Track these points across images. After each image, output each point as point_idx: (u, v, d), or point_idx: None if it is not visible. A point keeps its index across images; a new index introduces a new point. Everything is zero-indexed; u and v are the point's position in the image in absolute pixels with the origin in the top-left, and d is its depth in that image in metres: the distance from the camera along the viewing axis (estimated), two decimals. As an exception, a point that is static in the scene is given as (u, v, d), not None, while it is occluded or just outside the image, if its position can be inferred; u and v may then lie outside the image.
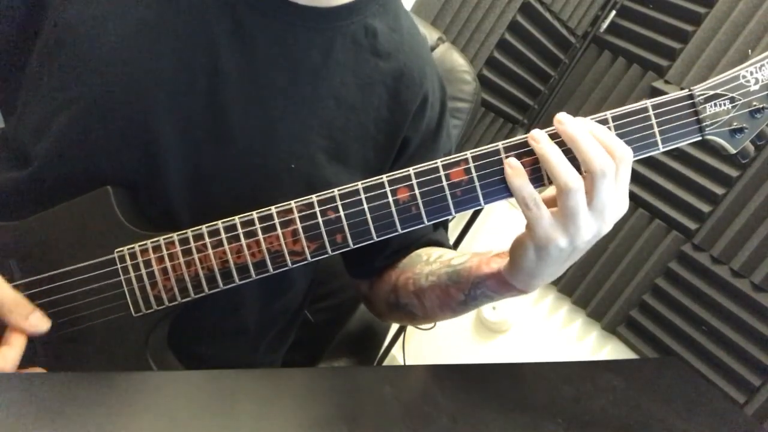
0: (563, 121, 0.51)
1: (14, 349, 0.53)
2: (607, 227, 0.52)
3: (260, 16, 0.61)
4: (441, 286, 0.65)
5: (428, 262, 0.70)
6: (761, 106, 0.55)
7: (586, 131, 0.50)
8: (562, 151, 0.51)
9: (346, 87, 0.65)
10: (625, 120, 0.53)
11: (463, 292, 0.63)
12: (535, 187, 0.55)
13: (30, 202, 0.59)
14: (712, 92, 0.55)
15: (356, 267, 0.80)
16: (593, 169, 0.49)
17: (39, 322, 0.55)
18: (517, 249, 0.55)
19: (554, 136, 0.52)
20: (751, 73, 0.55)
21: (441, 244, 0.77)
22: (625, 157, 0.50)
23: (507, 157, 0.53)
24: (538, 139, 0.52)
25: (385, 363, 1.83)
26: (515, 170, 0.52)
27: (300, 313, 0.85)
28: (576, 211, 0.50)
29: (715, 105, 0.55)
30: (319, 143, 0.64)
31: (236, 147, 0.61)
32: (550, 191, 0.53)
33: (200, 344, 0.71)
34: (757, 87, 0.55)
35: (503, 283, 0.58)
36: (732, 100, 0.55)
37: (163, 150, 0.59)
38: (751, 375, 1.34)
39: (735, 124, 0.55)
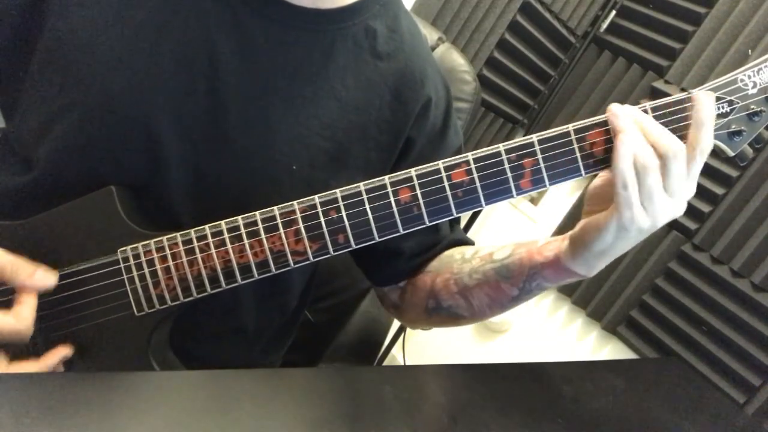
0: (620, 114, 0.53)
1: (27, 307, 0.53)
2: (681, 209, 0.54)
3: (260, 18, 0.61)
4: (490, 282, 0.65)
5: (465, 260, 0.69)
6: (759, 109, 0.55)
7: (653, 121, 0.53)
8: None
9: (346, 88, 0.65)
10: (625, 121, 0.54)
11: (516, 287, 0.63)
12: (536, 188, 0.55)
13: (33, 205, 0.59)
14: (710, 95, 0.55)
15: (378, 274, 0.78)
16: (666, 151, 0.51)
17: (45, 278, 0.55)
18: (592, 232, 0.55)
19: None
20: (749, 77, 0.55)
21: (464, 242, 0.76)
22: (706, 147, 0.53)
23: (577, 138, 0.54)
24: (618, 114, 0.53)
25: (385, 363, 1.83)
26: (627, 150, 0.52)
27: (299, 313, 0.85)
28: (652, 190, 0.51)
29: (714, 108, 0.55)
30: (320, 145, 0.64)
31: (236, 149, 0.61)
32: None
33: (199, 344, 0.71)
34: (755, 90, 0.55)
35: (562, 269, 0.58)
36: (730, 103, 0.55)
37: (164, 152, 0.60)
38: (751, 375, 1.34)
39: (733, 126, 0.56)
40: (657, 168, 0.51)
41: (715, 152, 0.57)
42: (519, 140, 0.54)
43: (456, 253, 0.72)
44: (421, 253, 0.74)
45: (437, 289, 0.71)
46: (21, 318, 0.53)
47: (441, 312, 0.72)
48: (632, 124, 0.52)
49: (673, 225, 1.51)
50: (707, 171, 1.45)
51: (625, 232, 0.53)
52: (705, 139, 0.53)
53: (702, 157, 0.53)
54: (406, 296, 0.77)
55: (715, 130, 0.55)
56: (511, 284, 0.63)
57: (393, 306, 0.81)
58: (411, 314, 0.78)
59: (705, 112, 0.53)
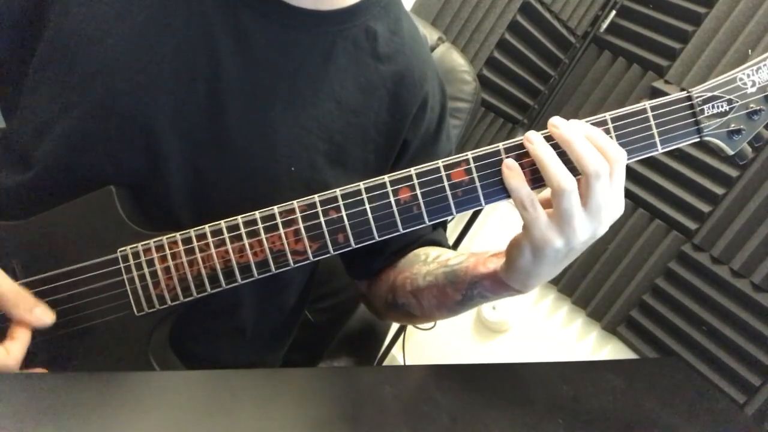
0: (557, 125, 0.51)
1: (18, 343, 0.52)
2: (603, 229, 0.52)
3: (260, 19, 0.61)
4: (438, 286, 0.65)
5: (426, 262, 0.70)
6: (758, 108, 0.55)
7: (581, 134, 0.51)
8: (558, 153, 0.51)
9: (346, 90, 0.65)
10: (624, 121, 0.54)
11: (459, 293, 0.63)
12: (535, 188, 0.55)
13: (32, 205, 0.59)
14: (710, 94, 0.55)
15: (355, 268, 0.80)
16: (587, 170, 0.49)
17: (43, 315, 0.54)
18: (513, 250, 0.55)
19: (550, 138, 0.52)
20: (748, 76, 0.55)
21: (439, 243, 0.77)
22: (619, 158, 0.51)
23: (507, 157, 0.54)
24: (533, 140, 0.52)
25: (385, 363, 1.83)
26: (512, 171, 0.52)
27: (299, 313, 0.85)
28: (570, 213, 0.50)
29: (713, 107, 0.55)
30: (319, 146, 0.65)
31: (236, 150, 0.61)
32: (547, 192, 0.53)
33: (199, 344, 0.71)
34: (754, 89, 0.55)
35: (499, 283, 0.58)
36: (729, 102, 0.55)
37: (163, 153, 0.60)
38: (751, 375, 1.35)
39: (733, 125, 0.56)
40: (573, 191, 0.49)
41: (715, 151, 0.57)
42: (518, 139, 0.54)
43: (422, 253, 0.73)
44: (401, 250, 0.75)
45: (396, 286, 0.72)
46: (11, 354, 0.51)
47: (397, 308, 0.73)
48: (538, 146, 0.51)
49: (673, 225, 1.51)
50: (707, 171, 1.45)
51: (541, 252, 0.52)
52: (550, 178, 0.50)
53: (594, 182, 0.49)
54: (372, 287, 0.79)
55: (715, 129, 0.55)
56: (455, 289, 0.63)
57: (362, 296, 0.83)
58: (375, 304, 0.80)
59: (537, 153, 0.51)
